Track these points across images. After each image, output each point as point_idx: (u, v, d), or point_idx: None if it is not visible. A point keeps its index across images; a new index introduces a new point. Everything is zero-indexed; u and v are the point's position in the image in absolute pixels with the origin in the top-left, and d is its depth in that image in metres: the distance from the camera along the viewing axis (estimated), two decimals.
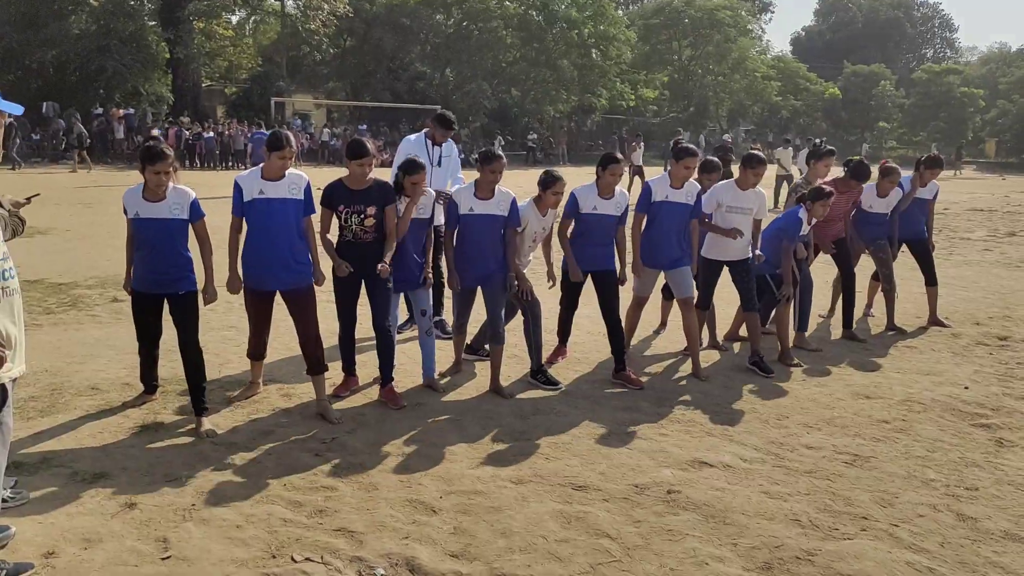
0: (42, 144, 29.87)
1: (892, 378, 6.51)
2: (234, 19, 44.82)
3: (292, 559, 3.57)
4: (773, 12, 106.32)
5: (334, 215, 5.52)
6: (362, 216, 5.42)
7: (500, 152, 5.91)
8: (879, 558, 3.73)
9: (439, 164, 7.00)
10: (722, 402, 5.83)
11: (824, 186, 7.03)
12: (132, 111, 32.54)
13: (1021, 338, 7.81)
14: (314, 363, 5.34)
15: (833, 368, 6.74)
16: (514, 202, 5.89)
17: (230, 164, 31.25)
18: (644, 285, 6.63)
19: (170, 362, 5.94)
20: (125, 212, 5.03)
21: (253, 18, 45.54)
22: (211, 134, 31.27)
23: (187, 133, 30.73)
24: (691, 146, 6.45)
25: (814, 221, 7.03)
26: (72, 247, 11.83)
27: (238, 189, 5.21)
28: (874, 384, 6.34)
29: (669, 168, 6.46)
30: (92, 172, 26.26)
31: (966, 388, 6.26)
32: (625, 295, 6.36)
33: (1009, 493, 4.46)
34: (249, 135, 28.39)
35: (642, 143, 24.09)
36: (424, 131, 7.18)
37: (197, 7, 36.98)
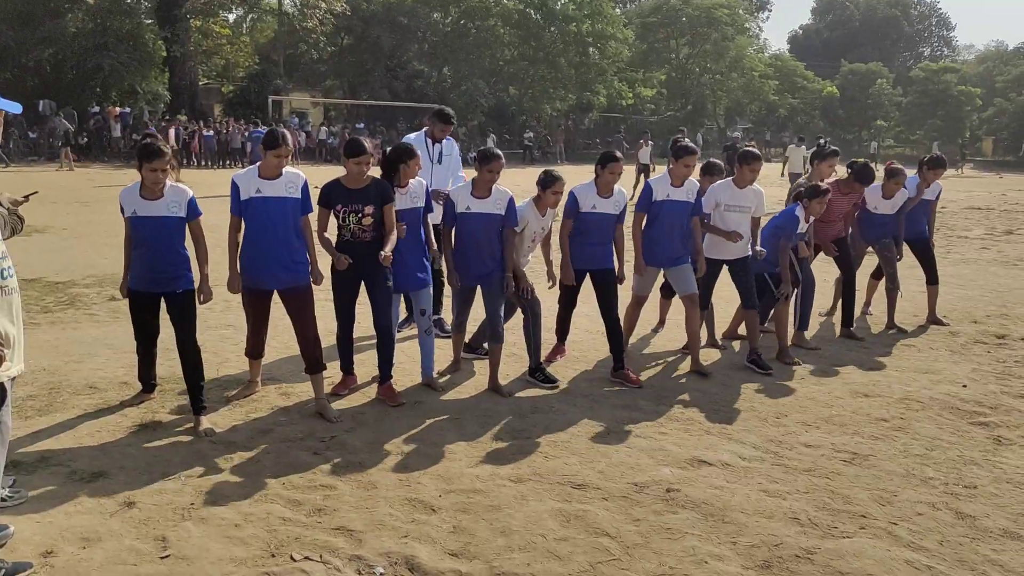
0: (38, 142, 29.81)
1: (890, 376, 6.51)
2: (231, 17, 44.75)
3: (291, 558, 3.57)
4: (770, 10, 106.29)
5: (332, 214, 5.50)
6: (360, 215, 5.38)
7: (498, 152, 5.90)
8: (878, 556, 3.73)
9: (439, 162, 6.97)
10: (721, 400, 5.83)
11: (821, 184, 7.01)
12: (128, 110, 32.48)
13: (1018, 336, 7.82)
14: (312, 362, 5.32)
15: (832, 367, 6.74)
16: (511, 201, 5.88)
17: (227, 163, 31.21)
18: (644, 284, 6.62)
19: (168, 361, 5.94)
20: (122, 211, 5.01)
21: (250, 16, 45.45)
22: (210, 132, 31.22)
23: (184, 131, 30.65)
24: (690, 144, 6.41)
25: (812, 219, 7.02)
26: (69, 245, 11.82)
27: (235, 188, 5.19)
28: (872, 382, 6.34)
29: (670, 167, 6.42)
30: (71, 171, 25.86)
31: (964, 386, 6.27)
32: (624, 293, 6.35)
33: (1007, 491, 4.47)
34: (247, 133, 28.33)
35: (650, 141, 24.02)
36: (424, 130, 7.15)
37: (194, 5, 36.90)
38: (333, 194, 5.46)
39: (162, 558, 3.53)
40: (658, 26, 55.23)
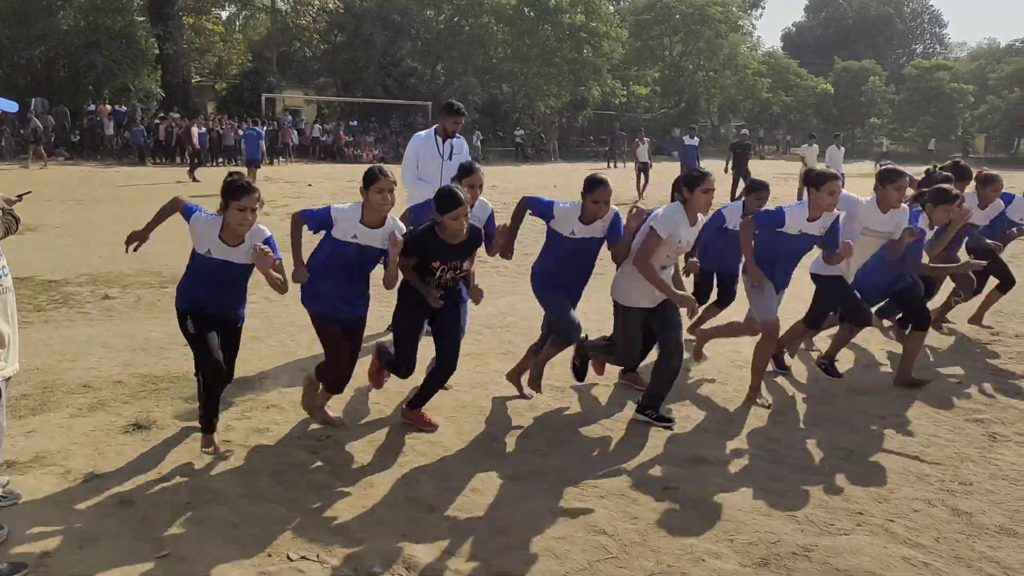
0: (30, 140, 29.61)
1: (887, 374, 6.52)
2: (224, 15, 44.72)
3: (288, 557, 3.56)
4: (763, 8, 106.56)
5: (417, 262, 4.81)
6: (458, 272, 4.85)
7: (605, 179, 5.18)
8: (875, 553, 3.74)
9: (449, 158, 6.94)
10: (718, 399, 5.83)
11: (948, 187, 6.19)
12: (123, 109, 32.32)
13: (1013, 333, 7.85)
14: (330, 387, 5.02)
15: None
16: (616, 217, 5.26)
17: (220, 160, 31.09)
18: (768, 303, 5.63)
19: (163, 360, 5.94)
20: (193, 233, 4.51)
21: (243, 13, 45.42)
22: (203, 130, 31.10)
23: (177, 128, 30.48)
24: (834, 170, 5.77)
25: (937, 228, 6.27)
26: (63, 244, 11.76)
27: (328, 218, 4.70)
28: (869, 379, 6.35)
29: (807, 197, 5.59)
30: (25, 168, 25.13)
31: (960, 383, 6.28)
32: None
33: (1003, 488, 4.48)
34: (240, 132, 28.21)
35: (645, 138, 24.02)
36: (433, 127, 7.11)
37: (186, 3, 36.82)
38: (429, 249, 4.73)
39: (159, 558, 3.52)
40: (651, 23, 55.23)
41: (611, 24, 47.46)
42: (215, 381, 4.53)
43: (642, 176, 21.65)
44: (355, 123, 39.61)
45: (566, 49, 45.66)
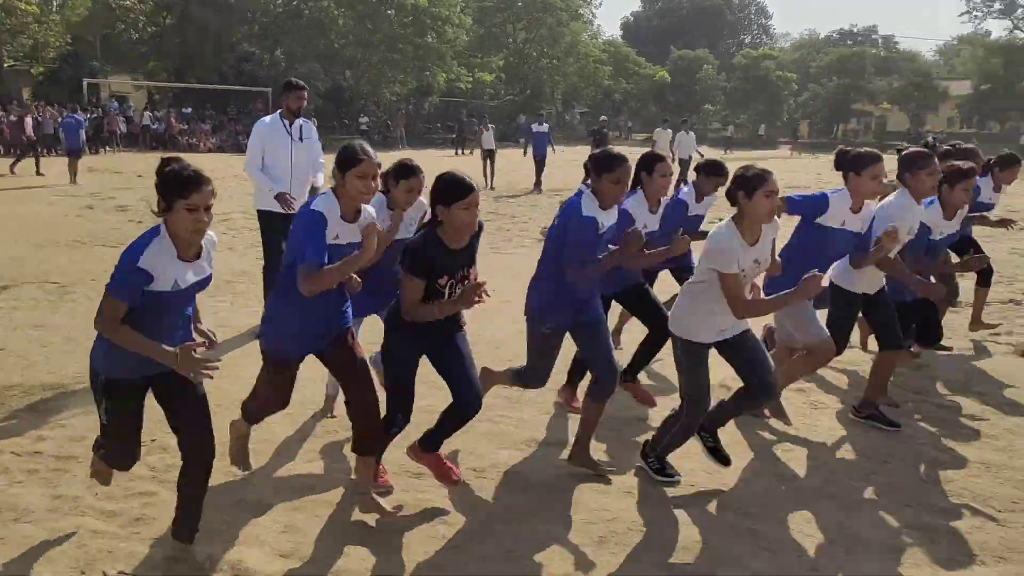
0: None
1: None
2: None
3: (104, 574, 3.31)
4: None
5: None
6: (467, 281, 3.78)
7: (619, 154, 4.11)
8: (705, 523, 3.88)
9: (300, 139, 6.66)
10: (557, 382, 5.87)
11: (961, 164, 5.25)
12: None
13: None
14: (364, 442, 3.82)
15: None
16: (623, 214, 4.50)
17: (42, 151, 28.89)
18: (817, 324, 4.73)
19: None
20: (139, 282, 3.03)
21: None
22: (14, 118, 28.78)
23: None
24: (874, 151, 4.65)
25: (961, 214, 5.32)
26: None
27: (318, 225, 3.49)
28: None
29: (849, 185, 4.63)
30: None
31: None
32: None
33: (821, 453, 4.75)
34: (60, 120, 26.29)
35: (490, 125, 24.08)
36: (278, 112, 6.80)
37: None
38: (436, 262, 3.65)
39: None
40: (494, 10, 55.69)
41: (454, 9, 47.40)
42: (114, 467, 3.64)
43: (488, 163, 21.62)
44: (189, 110, 37.77)
45: (410, 34, 45.25)
